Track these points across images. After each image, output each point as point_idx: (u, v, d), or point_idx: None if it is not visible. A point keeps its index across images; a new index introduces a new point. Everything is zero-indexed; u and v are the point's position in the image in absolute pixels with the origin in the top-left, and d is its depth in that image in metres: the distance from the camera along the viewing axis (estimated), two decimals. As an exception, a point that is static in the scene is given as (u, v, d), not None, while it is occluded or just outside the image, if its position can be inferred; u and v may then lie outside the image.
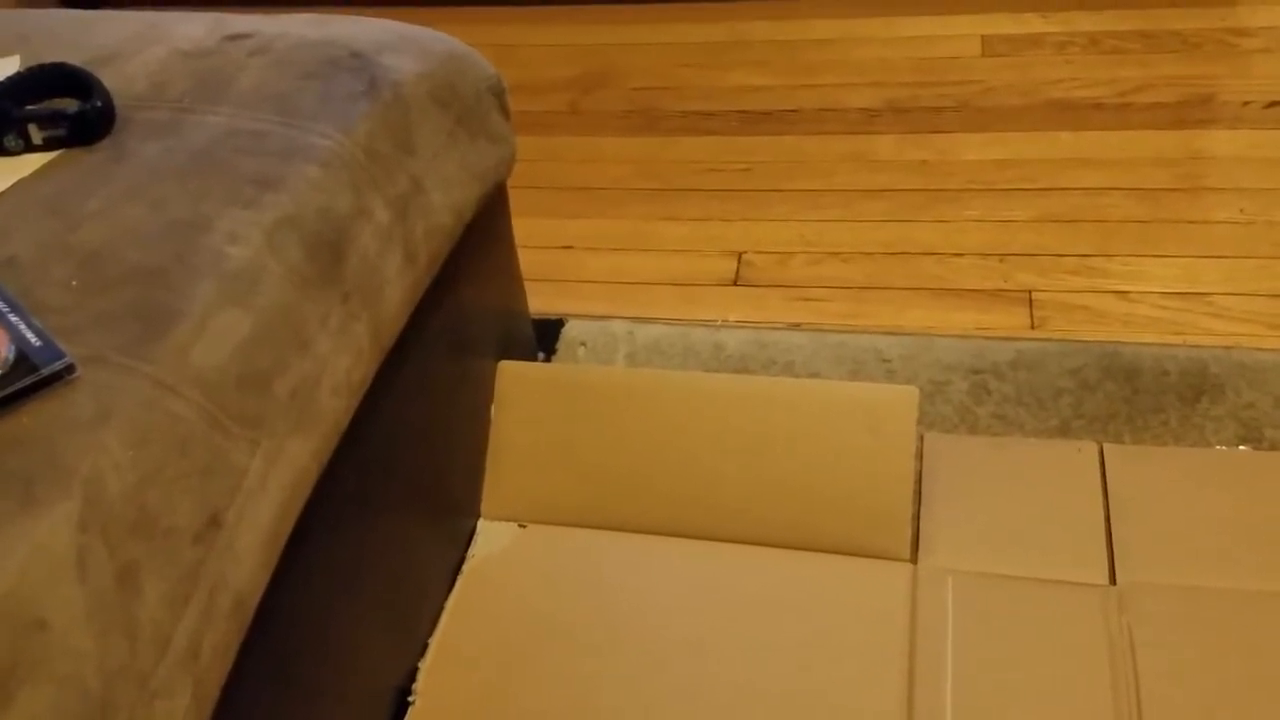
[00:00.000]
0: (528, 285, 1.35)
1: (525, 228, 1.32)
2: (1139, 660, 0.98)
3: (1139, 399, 1.26)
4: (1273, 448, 1.19)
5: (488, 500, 1.20)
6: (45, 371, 0.65)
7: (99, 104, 0.86)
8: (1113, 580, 1.06)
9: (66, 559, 0.60)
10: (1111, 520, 1.11)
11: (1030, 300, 1.43)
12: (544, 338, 1.42)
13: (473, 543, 1.17)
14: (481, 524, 1.19)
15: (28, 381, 0.64)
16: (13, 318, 0.68)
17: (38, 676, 0.58)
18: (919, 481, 1.17)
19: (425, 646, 1.06)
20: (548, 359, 1.41)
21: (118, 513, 0.63)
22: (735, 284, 1.53)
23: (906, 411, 1.14)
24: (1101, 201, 1.57)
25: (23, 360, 0.65)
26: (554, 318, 1.46)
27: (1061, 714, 0.95)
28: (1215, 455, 1.19)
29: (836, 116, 1.81)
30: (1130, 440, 1.22)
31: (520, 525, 1.18)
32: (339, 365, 0.81)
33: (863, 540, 1.10)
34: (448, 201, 0.97)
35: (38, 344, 0.66)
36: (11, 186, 0.81)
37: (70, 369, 0.66)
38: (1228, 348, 1.31)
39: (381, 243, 0.87)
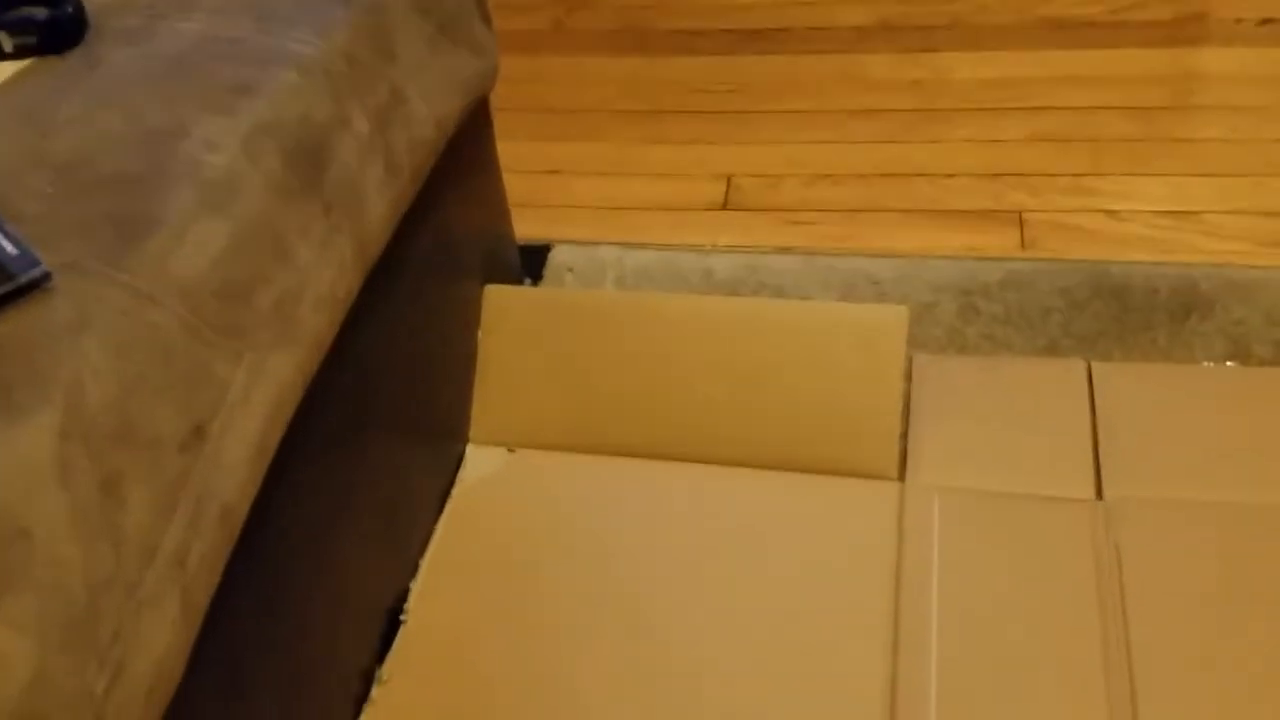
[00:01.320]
0: (513, 211, 1.33)
1: (509, 151, 1.30)
2: (1125, 574, 0.99)
3: (1128, 317, 1.25)
4: (1261, 363, 1.19)
5: (476, 425, 1.19)
6: (22, 280, 0.63)
7: (70, 10, 0.83)
8: (1099, 495, 1.06)
9: (48, 467, 0.59)
10: (1099, 437, 1.11)
11: (1021, 220, 1.42)
12: (530, 264, 1.40)
13: (461, 467, 1.17)
14: (470, 449, 1.18)
15: (3, 290, 0.63)
16: (-14, 226, 0.66)
17: (21, 585, 0.57)
18: (907, 401, 1.16)
19: (416, 567, 1.07)
20: (535, 285, 1.40)
21: (100, 421, 0.62)
22: (724, 208, 1.52)
23: (896, 331, 1.13)
24: (1094, 120, 1.56)
25: (-3, 268, 0.64)
26: (540, 243, 1.44)
27: (1047, 627, 0.96)
28: (1203, 372, 1.19)
29: (827, 35, 1.78)
30: (1119, 358, 1.22)
31: (509, 450, 1.18)
32: (322, 278, 0.79)
33: (850, 460, 1.10)
34: (430, 112, 0.95)
35: (14, 252, 0.65)
36: (-18, 96, 0.79)
37: (47, 277, 0.64)
38: (1218, 265, 1.30)
39: (363, 153, 0.85)
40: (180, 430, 0.65)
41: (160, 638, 0.62)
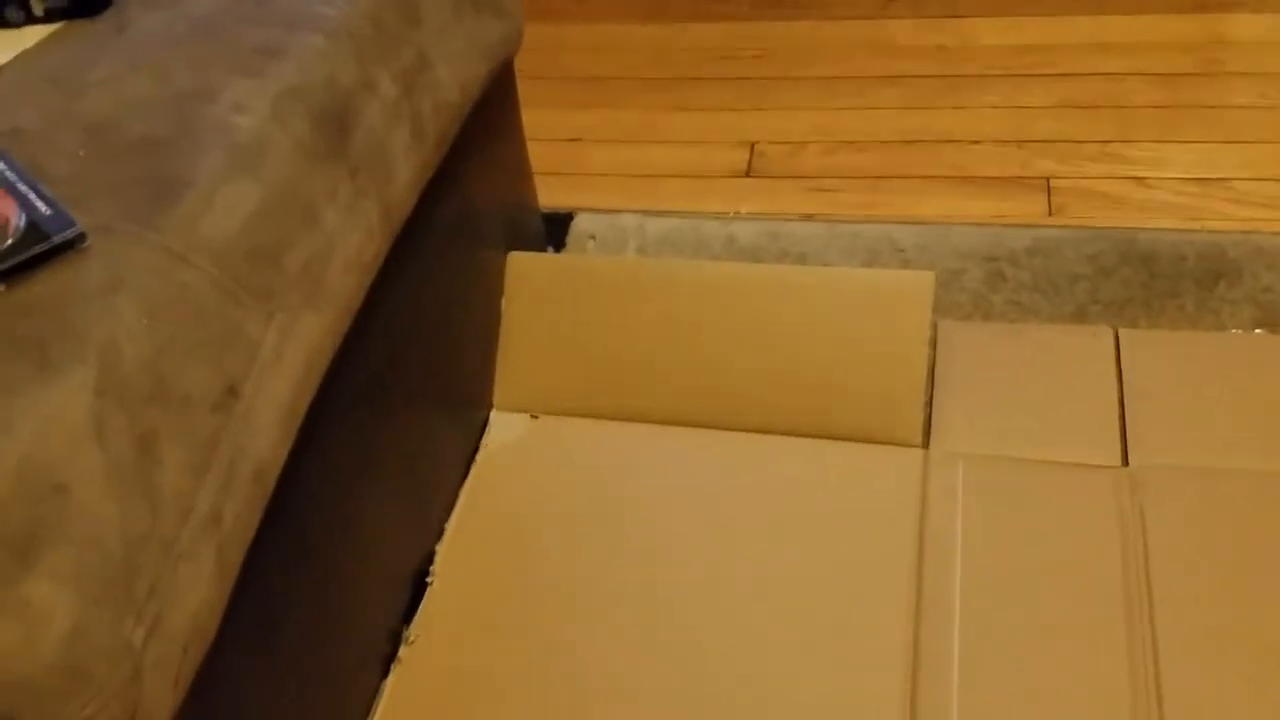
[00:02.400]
0: (536, 179, 1.33)
1: (532, 120, 1.29)
2: (1150, 540, 0.99)
3: (1156, 284, 1.24)
4: (1290, 331, 1.19)
5: (500, 391, 1.20)
6: (56, 239, 0.64)
7: (98, -26, 0.83)
8: (1125, 462, 1.06)
9: (85, 424, 0.60)
10: (1125, 404, 1.11)
11: (1048, 187, 1.41)
12: (553, 231, 1.41)
13: (485, 433, 1.17)
14: (494, 415, 1.19)
15: (39, 249, 0.64)
16: (21, 187, 0.67)
17: (60, 539, 0.58)
18: (932, 368, 1.16)
19: (441, 531, 1.07)
20: (557, 253, 1.40)
21: (134, 380, 0.63)
22: (747, 175, 1.51)
23: (921, 297, 1.13)
24: (1121, 87, 1.54)
25: (33, 229, 0.65)
26: (563, 211, 1.44)
27: (1071, 593, 0.96)
28: (1230, 339, 1.18)
29: (852, 1, 1.76)
30: (1146, 325, 1.21)
31: (532, 416, 1.18)
32: (349, 242, 0.80)
33: (875, 426, 1.10)
34: (455, 77, 0.95)
35: (48, 212, 0.65)
36: (14, 59, 0.80)
37: (81, 237, 0.65)
38: (1246, 232, 1.29)
39: (388, 117, 0.85)
40: (213, 390, 0.66)
41: (196, 593, 0.62)
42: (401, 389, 1.00)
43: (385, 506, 0.97)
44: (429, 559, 1.05)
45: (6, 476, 0.57)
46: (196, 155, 0.72)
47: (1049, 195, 1.40)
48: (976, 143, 1.49)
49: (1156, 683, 0.89)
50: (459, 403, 1.14)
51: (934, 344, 1.18)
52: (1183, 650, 0.90)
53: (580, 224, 1.43)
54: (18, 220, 0.65)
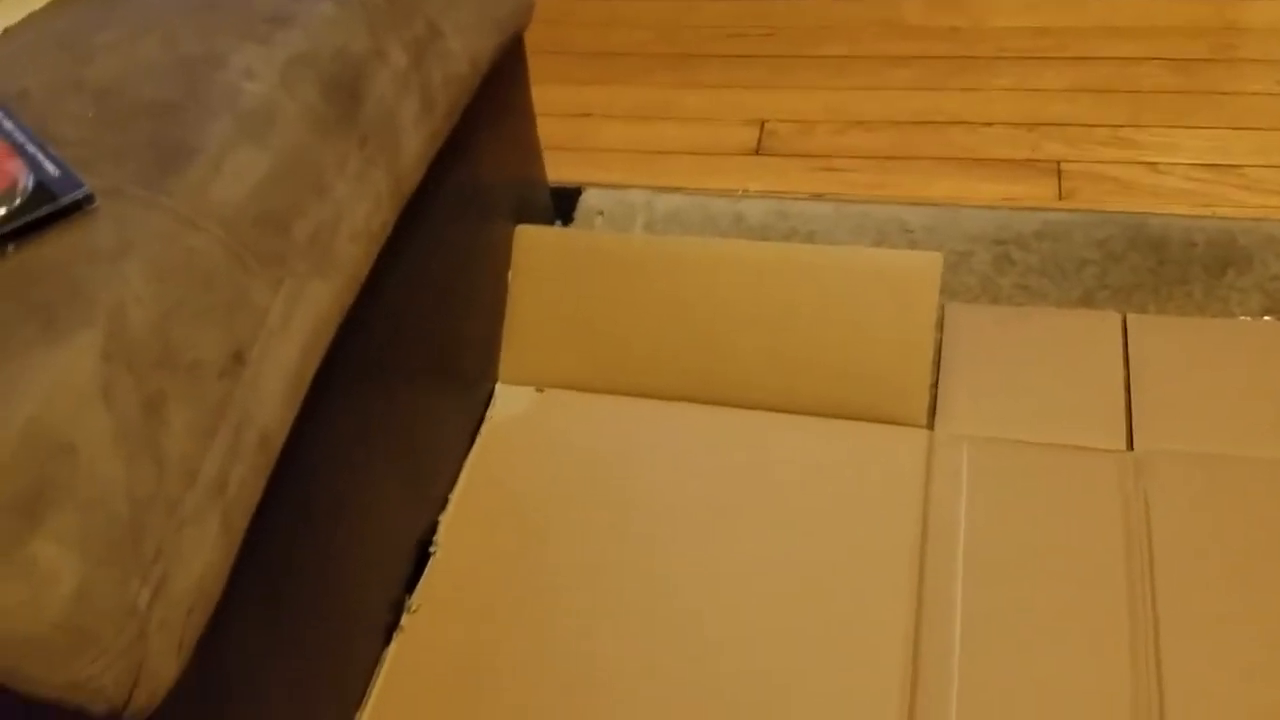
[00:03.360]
0: (544, 153, 1.32)
1: (541, 94, 1.29)
2: (1153, 525, 0.99)
3: (1165, 270, 1.24)
4: (1298, 319, 1.18)
5: (505, 365, 1.20)
6: (64, 201, 0.64)
7: (108, -63, 0.83)
8: (1130, 447, 1.06)
9: (92, 386, 0.60)
10: (1132, 389, 1.11)
11: (1059, 171, 1.40)
12: (561, 206, 1.40)
13: (490, 406, 1.17)
14: (499, 388, 1.19)
15: (46, 210, 0.64)
16: (30, 148, 0.67)
17: (66, 500, 0.58)
18: (939, 350, 1.16)
19: (445, 502, 1.08)
20: (565, 227, 1.40)
21: (142, 343, 0.63)
22: (757, 153, 1.51)
23: (929, 278, 1.12)
24: (1134, 72, 1.53)
25: (41, 190, 0.64)
26: (571, 186, 1.44)
27: (1073, 575, 0.96)
28: (1239, 326, 1.18)
29: (864, -19, 1.75)
30: (1154, 311, 1.20)
31: (537, 390, 1.18)
32: (357, 211, 0.79)
33: (880, 406, 1.10)
34: (465, 48, 0.94)
35: (56, 173, 0.65)
36: (22, 21, 0.79)
37: (89, 199, 0.65)
38: (1257, 220, 1.28)
39: (398, 88, 0.85)
40: (220, 355, 0.66)
41: (201, 556, 0.63)
42: (407, 360, 1.00)
43: (389, 476, 0.97)
44: (432, 529, 1.05)
45: (13, 437, 0.58)
46: (205, 121, 0.71)
47: (1059, 179, 1.39)
48: (988, 125, 1.48)
49: (1157, 668, 0.89)
50: (464, 375, 1.14)
51: (940, 326, 1.18)
52: (1184, 635, 0.91)
53: (588, 199, 1.43)
54: (26, 181, 0.65)
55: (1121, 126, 1.45)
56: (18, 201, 0.64)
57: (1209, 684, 0.88)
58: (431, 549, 1.04)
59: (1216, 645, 0.90)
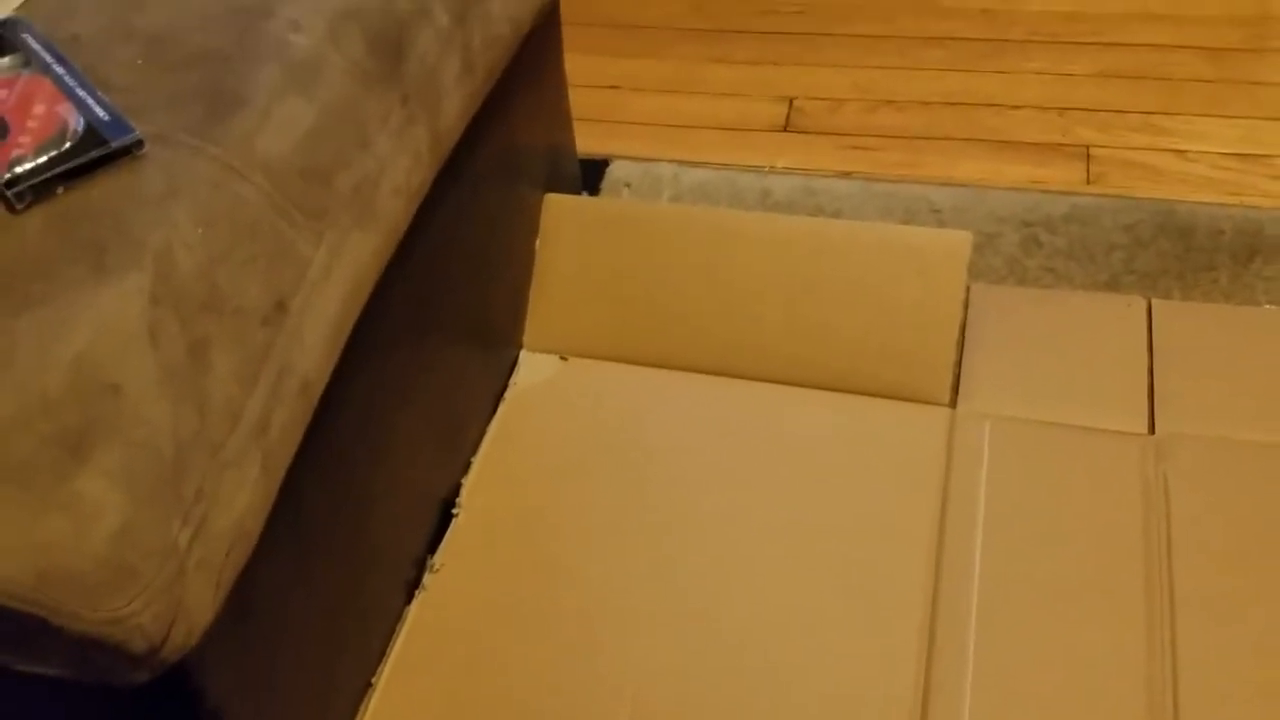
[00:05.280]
0: (574, 124, 1.33)
1: (571, 65, 1.29)
2: (1172, 508, 0.99)
3: (1191, 256, 1.24)
4: (1325, 309, 1.18)
5: (530, 332, 1.20)
6: (114, 145, 0.65)
7: (157, -113, 0.83)
8: (1152, 430, 1.06)
9: (139, 327, 0.61)
10: (1155, 373, 1.11)
11: (1088, 155, 1.40)
12: (589, 178, 1.40)
13: (515, 371, 1.18)
14: (524, 355, 1.20)
15: (97, 154, 0.64)
16: (80, 92, 0.67)
17: (112, 438, 0.59)
18: (963, 329, 1.16)
19: (468, 465, 1.09)
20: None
21: (188, 288, 0.63)
22: (785, 130, 1.51)
23: (958, 257, 1.13)
24: (1168, 59, 1.53)
25: (91, 133, 0.65)
26: (599, 158, 1.44)
27: (1091, 557, 0.96)
28: (1264, 314, 1.18)
29: (897, -39, 1.74)
30: (1180, 297, 1.21)
31: (562, 358, 1.19)
32: (399, 166, 0.80)
33: (903, 384, 1.11)
34: (506, 11, 0.95)
35: (106, 118, 0.66)
36: (71, -32, 0.80)
37: (139, 144, 0.65)
38: (1287, 210, 1.28)
39: (441, 46, 0.86)
40: (264, 303, 0.67)
41: (241, 498, 0.64)
42: (437, 320, 1.01)
43: (417, 434, 0.98)
44: (456, 490, 1.06)
45: (63, 375, 0.59)
46: (253, 71, 0.72)
47: (1088, 163, 1.39)
48: (1018, 108, 1.48)
49: (1173, 647, 0.90)
50: (490, 339, 1.14)
51: (966, 306, 1.18)
52: (1200, 616, 0.91)
53: (615, 171, 1.43)
54: (76, 124, 0.66)
55: (1152, 113, 1.45)
56: (68, 144, 0.65)
57: (1223, 663, 0.88)
58: (455, 510, 1.05)
59: (1231, 625, 0.90)
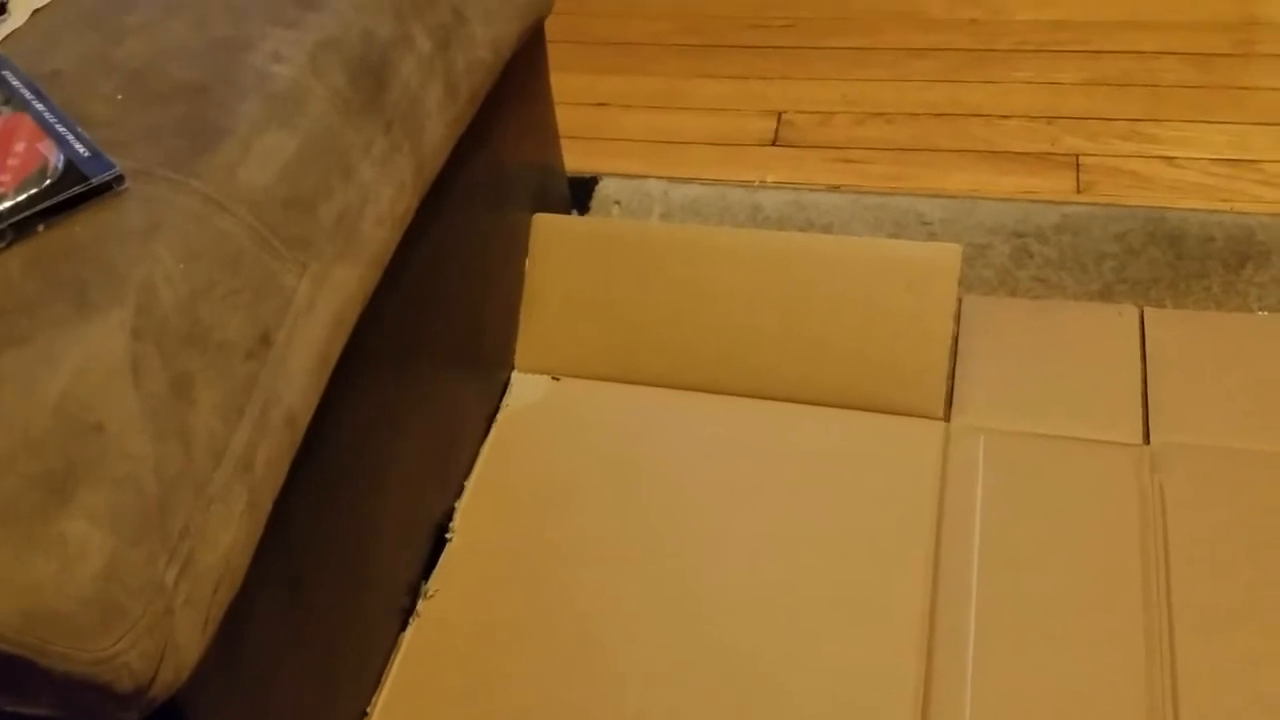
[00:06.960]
0: (562, 142, 1.33)
1: (558, 83, 1.29)
2: (1169, 518, 0.99)
3: (1183, 264, 1.24)
4: (1317, 315, 1.18)
5: (522, 353, 1.20)
6: (95, 181, 0.64)
7: (136, -80, 0.83)
8: (1146, 440, 1.06)
9: (121, 364, 0.61)
10: (1148, 382, 1.11)
11: (1077, 164, 1.40)
12: (578, 196, 1.40)
13: (507, 393, 1.18)
14: (516, 376, 1.19)
15: (77, 190, 0.64)
16: (60, 128, 0.67)
17: (95, 477, 0.59)
18: (955, 341, 1.16)
19: (461, 489, 1.08)
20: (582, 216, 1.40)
21: (171, 323, 0.63)
22: (774, 144, 1.51)
23: (948, 269, 1.12)
24: (1154, 66, 1.53)
25: (72, 170, 0.65)
26: (588, 176, 1.44)
27: (1089, 569, 0.96)
28: (1256, 321, 1.18)
29: (884, -29, 1.75)
30: (1172, 305, 1.20)
31: (554, 378, 1.19)
32: (382, 195, 0.80)
33: (896, 398, 1.10)
34: (488, 35, 0.95)
35: (86, 154, 0.66)
36: (53, 1, 0.80)
37: (120, 179, 0.65)
38: (1276, 215, 1.28)
39: (423, 73, 0.85)
40: (248, 337, 0.67)
41: (227, 534, 0.63)
42: (425, 346, 1.00)
43: (407, 461, 0.98)
44: (449, 515, 1.06)
45: (46, 414, 0.58)
46: (234, 103, 0.72)
47: (1078, 172, 1.39)
48: (1006, 118, 1.48)
49: (1171, 658, 0.89)
50: (481, 362, 1.14)
51: (958, 318, 1.18)
52: (1198, 628, 0.91)
53: (605, 189, 1.43)
54: (56, 161, 0.66)
55: (1140, 121, 1.45)
56: (48, 181, 0.65)
57: (1222, 674, 0.88)
58: (448, 535, 1.04)
59: (1230, 636, 0.90)
